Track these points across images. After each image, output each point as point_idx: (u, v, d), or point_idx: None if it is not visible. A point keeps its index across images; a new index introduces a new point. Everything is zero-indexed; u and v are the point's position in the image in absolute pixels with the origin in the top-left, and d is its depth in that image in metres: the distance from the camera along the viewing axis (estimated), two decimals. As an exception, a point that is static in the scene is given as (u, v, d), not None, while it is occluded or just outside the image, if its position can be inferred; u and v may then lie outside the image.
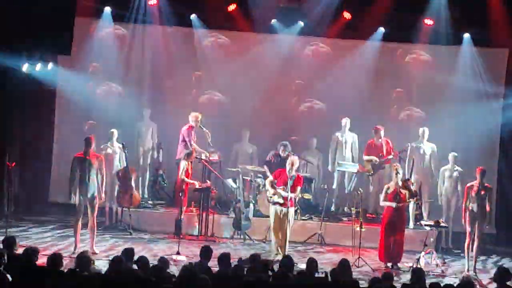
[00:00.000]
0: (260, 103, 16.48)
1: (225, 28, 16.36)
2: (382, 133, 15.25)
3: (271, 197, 12.70)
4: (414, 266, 11.97)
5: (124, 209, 14.46)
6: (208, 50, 16.54)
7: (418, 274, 8.89)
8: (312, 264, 9.17)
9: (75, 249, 12.18)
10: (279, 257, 11.26)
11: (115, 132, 14.70)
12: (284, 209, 12.54)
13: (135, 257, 9.06)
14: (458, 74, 16.21)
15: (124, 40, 16.41)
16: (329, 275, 8.69)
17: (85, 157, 12.22)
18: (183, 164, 13.69)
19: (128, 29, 16.38)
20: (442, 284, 8.37)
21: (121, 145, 14.41)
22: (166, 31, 16.30)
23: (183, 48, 16.48)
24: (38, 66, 14.65)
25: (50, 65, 15.15)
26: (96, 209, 12.40)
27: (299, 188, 12.65)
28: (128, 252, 9.21)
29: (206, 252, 9.42)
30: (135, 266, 8.75)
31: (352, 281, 8.53)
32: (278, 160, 14.82)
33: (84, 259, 8.38)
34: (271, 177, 12.93)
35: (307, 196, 14.48)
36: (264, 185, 13.83)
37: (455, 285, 8.51)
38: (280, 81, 16.56)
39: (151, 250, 12.71)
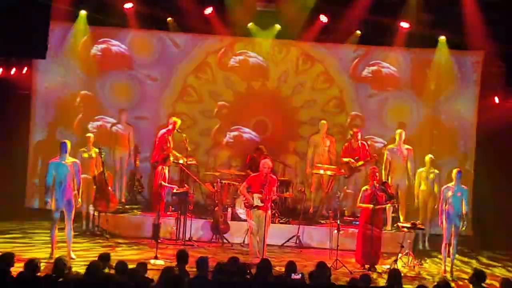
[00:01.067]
0: (237, 106, 16.51)
1: (201, 32, 16.35)
2: (359, 136, 15.34)
3: (248, 202, 12.75)
4: (392, 268, 12.05)
5: (101, 213, 14.41)
6: (184, 53, 16.51)
7: (395, 276, 8.96)
8: (291, 267, 9.21)
9: (51, 254, 12.15)
10: (257, 261, 11.29)
11: (92, 136, 14.67)
12: (262, 212, 12.60)
13: (112, 262, 9.07)
14: (433, 77, 16.35)
15: (101, 44, 16.35)
16: (305, 277, 8.72)
17: (61, 162, 12.20)
18: (160, 168, 13.67)
19: (104, 33, 16.33)
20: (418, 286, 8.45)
21: (97, 150, 14.37)
22: (142, 35, 16.26)
23: (160, 51, 16.46)
24: (13, 71, 14.58)
25: (25, 69, 15.07)
26: (73, 214, 12.36)
27: (274, 189, 12.73)
28: (105, 257, 9.20)
29: (182, 256, 9.43)
30: (112, 271, 8.76)
31: (329, 283, 8.58)
32: (253, 162, 14.85)
33: (61, 264, 8.37)
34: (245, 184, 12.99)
35: (287, 194, 14.51)
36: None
37: (431, 286, 8.59)
38: (256, 84, 16.58)
39: (129, 255, 12.68)
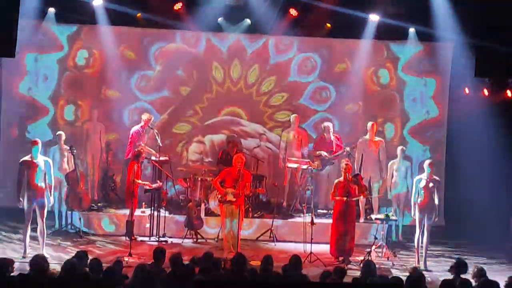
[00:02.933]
0: (208, 101, 16.55)
1: (171, 27, 16.35)
2: (331, 128, 15.45)
3: (221, 197, 12.84)
4: (366, 260, 12.20)
5: (73, 212, 14.42)
6: (156, 49, 16.50)
7: (368, 267, 9.07)
8: (267, 260, 9.30)
9: (24, 253, 12.17)
10: (232, 255, 11.37)
11: (63, 134, 14.64)
12: (236, 207, 12.70)
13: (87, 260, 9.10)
14: (404, 69, 16.52)
15: (69, 41, 16.28)
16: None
17: (33, 161, 12.19)
18: (133, 164, 13.68)
19: (73, 30, 16.26)
20: (391, 277, 8.56)
21: (69, 148, 14.35)
22: (112, 31, 16.21)
23: (130, 48, 16.45)
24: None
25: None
26: (45, 213, 12.37)
27: (248, 184, 12.82)
28: (81, 255, 9.22)
29: (159, 254, 9.47)
30: (87, 269, 8.80)
31: (302, 276, 8.69)
32: (227, 157, 14.92)
33: (39, 263, 8.37)
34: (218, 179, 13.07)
35: (259, 190, 14.60)
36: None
37: (404, 277, 8.71)
38: (227, 79, 16.61)
39: (103, 253, 12.70)
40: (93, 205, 15.11)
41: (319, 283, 5.77)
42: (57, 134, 14.73)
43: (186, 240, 14.16)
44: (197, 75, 16.55)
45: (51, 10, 15.78)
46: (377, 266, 9.91)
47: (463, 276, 9.06)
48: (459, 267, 9.17)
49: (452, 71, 16.24)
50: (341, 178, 13.13)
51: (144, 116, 15.04)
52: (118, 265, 9.03)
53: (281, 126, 16.37)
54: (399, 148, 14.85)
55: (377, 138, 15.18)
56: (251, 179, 13.19)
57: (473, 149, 15.26)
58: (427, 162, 13.14)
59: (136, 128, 15.00)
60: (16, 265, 9.39)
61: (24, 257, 12.00)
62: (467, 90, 16.09)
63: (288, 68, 16.60)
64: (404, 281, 8.05)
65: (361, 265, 10.21)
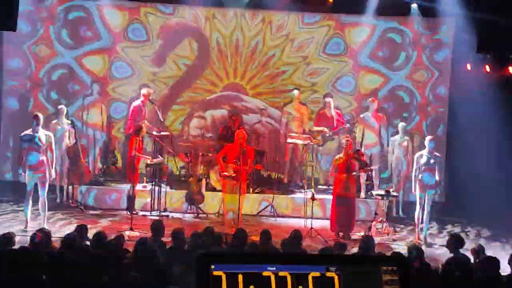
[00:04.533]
0: (209, 76, 16.48)
1: (168, 1, 16.26)
2: (332, 104, 15.42)
3: (223, 171, 12.84)
4: (365, 235, 12.23)
5: (75, 186, 14.44)
6: (153, 22, 16.40)
7: (367, 243, 9.09)
8: (266, 235, 9.34)
9: (26, 226, 12.22)
10: (233, 230, 11.40)
11: (64, 108, 14.62)
12: (237, 183, 12.70)
13: (89, 235, 9.12)
14: (406, 45, 16.44)
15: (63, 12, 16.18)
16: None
17: (34, 135, 12.18)
18: (134, 139, 13.66)
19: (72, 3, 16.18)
20: (391, 253, 8.58)
21: (70, 122, 14.33)
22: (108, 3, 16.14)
23: (128, 20, 16.33)
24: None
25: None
26: (47, 186, 12.38)
27: (250, 160, 12.81)
28: (82, 229, 9.25)
29: (157, 227, 9.50)
30: (88, 243, 8.82)
31: (302, 251, 8.73)
32: (227, 133, 14.90)
33: (40, 237, 8.38)
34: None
35: (257, 167, 14.61)
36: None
37: (404, 252, 8.74)
38: (228, 53, 16.54)
39: (104, 227, 12.72)
40: (94, 179, 15.12)
41: (319, 255, 5.81)
42: (58, 108, 14.70)
43: (187, 215, 14.19)
44: (198, 49, 16.47)
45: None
46: (377, 241, 9.96)
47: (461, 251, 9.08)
48: (456, 242, 9.18)
49: (454, 47, 16.16)
50: (342, 154, 13.11)
51: (144, 91, 15.00)
52: (119, 240, 9.04)
53: (282, 101, 16.29)
54: (400, 124, 14.85)
55: (378, 114, 15.15)
56: (254, 155, 13.17)
57: (475, 125, 15.23)
58: (428, 138, 13.13)
59: (136, 103, 14.97)
60: (17, 238, 9.44)
61: (25, 230, 12.04)
62: (469, 67, 16.03)
63: (291, 43, 16.48)
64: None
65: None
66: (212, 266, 3.50)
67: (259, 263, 3.47)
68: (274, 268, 3.49)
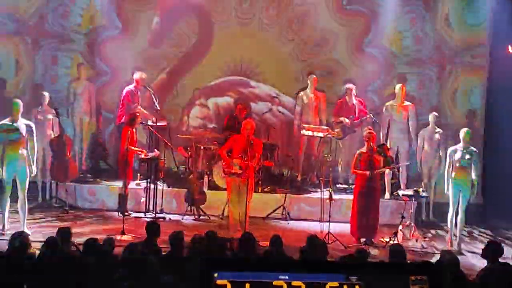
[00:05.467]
0: (212, 59, 16.45)
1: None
2: (354, 91, 15.37)
3: (227, 167, 12.82)
4: (391, 242, 12.22)
5: (59, 183, 14.46)
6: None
7: (392, 250, 9.04)
8: (276, 241, 9.32)
9: (3, 229, 12.24)
10: (239, 235, 11.40)
11: (47, 94, 14.63)
12: (243, 180, 12.68)
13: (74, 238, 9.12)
14: (441, 24, 16.35)
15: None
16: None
17: (12, 125, 12.19)
18: (126, 130, 13.66)
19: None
20: (421, 261, 8.55)
21: (53, 110, 14.34)
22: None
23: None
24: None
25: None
26: (27, 184, 12.39)
27: (258, 155, 12.79)
28: (64, 232, 9.24)
29: (152, 229, 9.50)
30: (73, 248, 8.83)
31: (321, 259, 8.70)
32: (233, 123, 14.89)
33: (19, 241, 8.38)
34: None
35: (267, 163, 14.62)
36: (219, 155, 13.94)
37: (435, 260, 8.70)
38: (238, 34, 16.51)
39: (92, 230, 12.73)
40: (81, 175, 15.14)
41: (338, 262, 5.80)
42: (40, 93, 14.70)
43: (186, 217, 14.20)
44: (199, 28, 16.44)
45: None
46: (404, 248, 9.89)
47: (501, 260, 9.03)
48: (493, 250, 9.09)
49: (493, 28, 16.07)
50: (364, 149, 13.08)
51: (136, 75, 14.95)
52: (109, 244, 9.04)
53: (296, 88, 16.25)
54: (431, 114, 14.79)
55: (406, 103, 15.10)
56: (262, 149, 13.15)
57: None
58: (463, 130, 13.08)
59: (128, 88, 14.92)
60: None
61: (2, 234, 12.08)
62: (510, 49, 15.93)
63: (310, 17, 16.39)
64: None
65: (386, 248, 10.21)
66: (216, 274, 3.48)
67: (269, 270, 3.45)
68: (287, 277, 3.47)
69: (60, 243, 8.58)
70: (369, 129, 13.39)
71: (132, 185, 14.39)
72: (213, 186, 14.67)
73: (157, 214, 13.92)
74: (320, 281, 3.57)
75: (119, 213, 13.61)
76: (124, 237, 12.09)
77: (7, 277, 7.55)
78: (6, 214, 12.41)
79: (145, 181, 14.35)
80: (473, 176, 12.92)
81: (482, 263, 9.30)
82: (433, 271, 3.67)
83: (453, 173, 12.88)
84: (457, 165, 12.85)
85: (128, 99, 14.84)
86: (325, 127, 15.27)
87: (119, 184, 14.09)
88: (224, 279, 3.46)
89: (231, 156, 12.82)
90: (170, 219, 14.02)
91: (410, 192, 13.51)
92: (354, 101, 15.35)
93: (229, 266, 3.48)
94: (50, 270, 7.82)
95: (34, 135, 12.50)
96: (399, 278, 3.64)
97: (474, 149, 13.12)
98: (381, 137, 14.67)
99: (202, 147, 14.76)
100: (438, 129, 14.74)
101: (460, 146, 12.92)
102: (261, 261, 4.24)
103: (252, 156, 12.66)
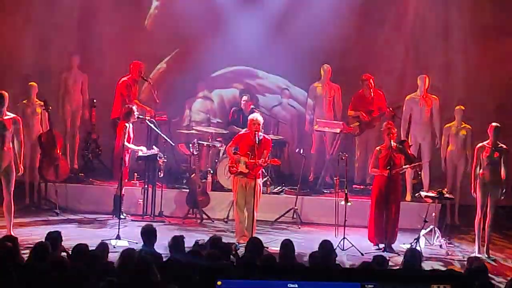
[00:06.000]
0: (217, 46, 16.43)
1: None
2: (372, 83, 15.35)
3: (233, 166, 12.83)
4: (409, 248, 12.21)
5: (48, 183, 14.48)
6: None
7: (414, 257, 9.05)
8: (287, 247, 9.33)
9: (-13, 234, 12.29)
10: (245, 240, 11.41)
11: (35, 86, 14.65)
12: (250, 181, 12.69)
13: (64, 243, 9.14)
14: (469, 7, 16.34)
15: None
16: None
17: (-3, 119, 12.23)
18: (122, 125, 13.67)
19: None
20: (445, 269, 8.55)
21: (42, 103, 14.36)
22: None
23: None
24: None
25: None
26: (13, 183, 12.41)
27: (266, 152, 12.80)
28: (54, 237, 9.25)
29: (148, 233, 9.51)
30: (63, 254, 8.84)
31: (334, 266, 8.71)
32: (238, 116, 14.89)
33: (5, 246, 8.40)
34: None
35: (272, 161, 14.61)
36: (224, 153, 13.95)
37: (462, 269, 8.69)
38: (244, 20, 16.50)
39: (84, 235, 12.76)
40: (72, 175, 15.16)
41: (353, 269, 5.77)
42: (28, 84, 14.72)
43: (188, 221, 14.22)
44: (204, 13, 16.45)
45: None
46: (427, 255, 9.93)
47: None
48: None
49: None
50: (383, 145, 13.07)
51: (132, 64, 14.94)
52: (103, 250, 9.06)
53: (310, 80, 16.24)
54: (458, 108, 14.76)
55: (429, 96, 15.08)
56: (271, 146, 13.14)
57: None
58: (492, 125, 13.06)
59: (124, 79, 14.92)
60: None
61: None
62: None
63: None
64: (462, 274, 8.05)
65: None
66: (219, 282, 3.49)
67: (277, 278, 3.45)
68: (296, 286, 3.47)
69: (49, 249, 8.59)
70: (389, 123, 13.35)
71: (128, 185, 14.39)
72: (218, 187, 14.69)
73: (155, 217, 13.93)
74: (333, 290, 3.57)
75: (114, 216, 13.63)
76: (120, 242, 12.10)
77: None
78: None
79: (142, 181, 14.37)
80: (503, 175, 12.89)
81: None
82: (458, 280, 3.66)
83: (481, 173, 12.86)
84: (485, 163, 12.83)
85: (124, 91, 14.82)
86: (340, 122, 15.29)
87: (114, 184, 14.10)
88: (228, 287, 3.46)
89: (238, 154, 12.82)
90: (170, 222, 14.03)
91: (433, 193, 13.49)
92: (372, 94, 15.34)
93: (233, 274, 3.48)
94: (39, 278, 7.83)
95: (21, 130, 12.51)
96: (421, 287, 3.63)
97: (504, 146, 13.08)
98: (401, 133, 14.64)
99: (205, 144, 14.78)
100: (464, 124, 14.71)
101: (488, 143, 12.90)
102: (268, 268, 4.24)
103: (260, 154, 12.66)
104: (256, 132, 12.67)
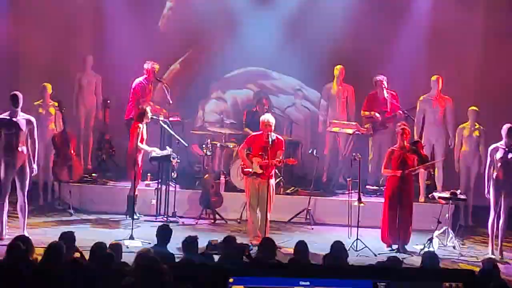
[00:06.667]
0: (231, 47, 16.44)
1: None
2: (385, 83, 15.32)
3: (246, 168, 12.84)
4: (426, 249, 12.19)
5: (62, 183, 14.51)
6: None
7: (427, 258, 9.04)
8: (301, 247, 9.34)
9: (1, 234, 12.30)
10: (258, 241, 11.41)
11: (49, 86, 14.68)
12: (263, 181, 12.69)
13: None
14: (483, 8, 16.30)
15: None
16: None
17: (12, 119, 12.24)
18: (136, 126, 13.69)
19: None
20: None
21: (56, 104, 14.40)
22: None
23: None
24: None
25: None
26: (27, 184, 12.45)
27: (280, 153, 12.80)
28: (68, 237, 9.28)
29: (163, 233, 9.53)
30: (77, 254, 8.87)
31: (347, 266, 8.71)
32: (253, 119, 14.89)
33: (18, 247, 8.43)
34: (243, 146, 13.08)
35: (290, 161, 14.61)
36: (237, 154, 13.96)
37: (475, 270, 8.67)
38: (258, 21, 16.50)
39: (98, 235, 12.79)
40: (86, 175, 15.19)
41: (365, 267, 5.79)
42: (42, 85, 14.75)
43: (201, 221, 14.23)
44: (217, 14, 16.46)
45: None
46: (440, 256, 9.90)
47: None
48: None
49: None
50: (396, 146, 13.05)
51: (147, 65, 14.97)
52: (116, 250, 9.08)
53: (323, 80, 16.22)
54: (471, 108, 14.72)
55: (443, 96, 15.04)
56: (284, 147, 13.15)
57: None
58: (506, 126, 13.02)
59: (138, 80, 14.95)
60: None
61: (1, 239, 12.14)
62: None
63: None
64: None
65: (421, 255, 10.19)
66: (231, 280, 3.49)
67: (289, 276, 3.45)
68: (308, 283, 3.47)
69: (63, 249, 8.61)
70: (403, 124, 13.32)
71: (141, 185, 14.42)
72: (231, 188, 14.70)
73: (169, 218, 13.95)
74: (345, 288, 3.57)
75: (128, 216, 13.65)
76: (133, 243, 12.13)
77: (6, 285, 7.58)
78: (5, 217, 12.46)
79: (156, 181, 14.39)
80: (517, 176, 12.87)
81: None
82: (470, 278, 3.65)
83: (495, 174, 12.83)
84: (499, 164, 12.79)
85: (138, 92, 14.87)
86: (354, 123, 15.26)
87: (127, 184, 14.12)
88: (240, 285, 3.47)
89: (251, 155, 12.83)
90: (183, 223, 14.06)
91: (447, 194, 13.46)
92: (386, 94, 15.32)
93: (245, 271, 3.49)
94: (53, 278, 7.86)
95: (35, 130, 12.54)
96: (432, 285, 3.63)
97: (519, 147, 13.06)
98: (414, 134, 14.61)
99: (218, 145, 14.80)
100: (478, 125, 14.68)
101: (502, 143, 12.86)
102: (280, 266, 4.25)
103: (274, 155, 12.66)
104: (269, 133, 12.69)
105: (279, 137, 13.12)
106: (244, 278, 3.44)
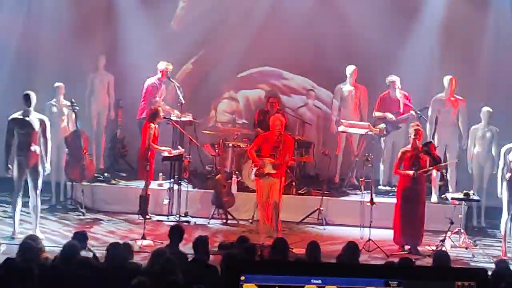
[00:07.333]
0: (243, 47, 16.46)
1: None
2: (398, 84, 15.29)
3: (259, 169, 12.83)
4: (438, 250, 12.16)
5: (74, 183, 14.54)
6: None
7: (440, 258, 9.02)
8: (313, 247, 9.34)
9: (13, 233, 12.33)
10: (270, 241, 11.40)
11: (62, 86, 14.71)
12: (275, 181, 12.68)
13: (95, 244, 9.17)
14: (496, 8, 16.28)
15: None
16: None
17: (25, 119, 12.27)
18: (148, 126, 13.71)
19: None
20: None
21: (69, 103, 14.43)
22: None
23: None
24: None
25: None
26: (40, 183, 12.47)
27: (289, 154, 12.80)
28: (80, 237, 9.31)
29: (176, 233, 9.54)
30: (89, 254, 8.89)
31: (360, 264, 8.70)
32: (265, 119, 14.88)
33: (30, 246, 8.45)
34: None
35: (305, 158, 14.61)
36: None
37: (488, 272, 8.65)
38: (270, 21, 16.50)
39: (110, 234, 12.82)
40: (98, 175, 15.22)
41: (377, 266, 5.78)
42: (55, 85, 14.78)
43: (213, 221, 14.23)
44: (229, 14, 16.47)
45: None
46: (453, 257, 9.89)
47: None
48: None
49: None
50: (409, 147, 13.03)
51: (161, 65, 14.99)
52: (128, 250, 9.09)
53: (335, 80, 16.19)
54: (484, 109, 14.69)
55: (456, 96, 15.01)
56: (293, 146, 13.16)
57: None
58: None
59: (151, 80, 14.99)
60: (2, 247, 9.54)
61: (13, 238, 12.16)
62: None
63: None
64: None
65: (432, 256, 10.18)
66: (243, 277, 3.48)
67: (301, 274, 3.45)
68: (320, 281, 3.47)
69: (77, 249, 8.63)
70: (416, 125, 13.29)
71: (153, 185, 14.43)
72: (243, 188, 14.68)
73: (181, 218, 13.97)
74: (357, 286, 3.56)
75: (140, 216, 13.66)
76: (145, 242, 12.15)
77: (17, 285, 7.60)
78: (17, 216, 12.49)
79: (168, 181, 14.40)
80: (530, 177, 12.84)
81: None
82: (483, 278, 3.64)
83: (508, 174, 12.80)
84: (512, 165, 12.78)
85: (151, 92, 14.90)
86: (366, 123, 15.23)
87: (139, 184, 14.14)
88: (251, 283, 3.46)
89: (261, 155, 12.83)
90: (195, 223, 14.07)
91: (459, 195, 13.43)
92: (399, 95, 15.29)
93: (257, 268, 3.48)
94: (65, 277, 7.87)
95: (48, 130, 12.56)
96: (445, 285, 3.62)
97: (532, 148, 13.03)
98: (427, 135, 14.58)
99: (230, 145, 14.80)
100: (491, 126, 14.64)
101: (515, 144, 12.86)
102: (291, 264, 4.25)
103: (284, 155, 12.67)
104: (279, 133, 12.70)
105: (290, 136, 13.12)
106: (256, 276, 3.44)
